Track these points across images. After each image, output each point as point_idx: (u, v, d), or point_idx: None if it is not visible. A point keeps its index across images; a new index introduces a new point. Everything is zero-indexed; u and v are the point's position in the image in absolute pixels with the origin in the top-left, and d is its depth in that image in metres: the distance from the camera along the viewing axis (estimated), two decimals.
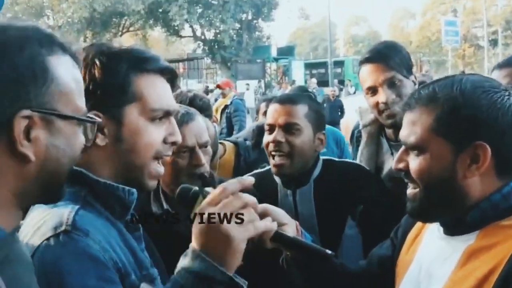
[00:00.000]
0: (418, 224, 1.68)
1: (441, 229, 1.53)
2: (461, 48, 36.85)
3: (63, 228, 1.27)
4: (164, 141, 1.50)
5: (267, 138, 2.43)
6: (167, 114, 1.50)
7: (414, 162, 1.47)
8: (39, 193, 1.07)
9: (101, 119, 1.39)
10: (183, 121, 2.15)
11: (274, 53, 36.38)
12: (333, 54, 36.57)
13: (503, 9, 45.16)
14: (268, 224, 1.56)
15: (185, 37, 41.95)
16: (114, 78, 1.43)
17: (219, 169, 3.22)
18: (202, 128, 2.23)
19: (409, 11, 74.34)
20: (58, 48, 1.08)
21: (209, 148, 2.28)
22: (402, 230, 1.77)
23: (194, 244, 1.31)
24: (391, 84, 2.55)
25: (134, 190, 1.48)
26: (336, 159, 2.73)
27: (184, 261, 1.31)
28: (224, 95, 8.04)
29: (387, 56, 2.59)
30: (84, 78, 1.39)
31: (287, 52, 37.10)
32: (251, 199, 1.37)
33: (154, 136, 1.47)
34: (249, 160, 3.21)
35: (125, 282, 1.33)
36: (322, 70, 34.61)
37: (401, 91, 2.53)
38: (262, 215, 1.60)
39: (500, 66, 2.81)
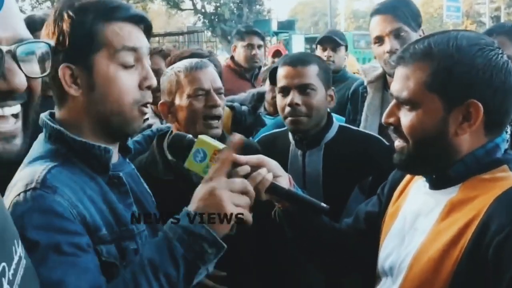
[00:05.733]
0: (405, 179, 1.73)
1: (427, 184, 1.58)
2: (463, 24, 36.50)
3: (32, 185, 1.33)
4: (140, 87, 1.54)
5: (282, 101, 2.48)
6: (134, 52, 1.52)
7: (406, 118, 1.49)
8: None
9: (73, 70, 1.47)
10: (197, 67, 2.27)
11: (274, 27, 35.91)
12: (334, 29, 36.14)
13: None
14: (264, 174, 1.60)
15: (185, 10, 41.41)
16: (80, 29, 1.47)
17: None
18: (216, 76, 2.33)
19: None
20: None
21: (223, 97, 2.36)
22: (389, 186, 1.81)
23: (190, 206, 1.41)
24: (397, 35, 2.74)
25: (110, 148, 1.52)
26: (354, 127, 2.76)
27: (176, 218, 1.40)
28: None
29: (395, 8, 2.76)
30: (53, 33, 1.48)
31: (287, 26, 36.65)
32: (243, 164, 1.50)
33: (126, 81, 1.51)
34: (245, 124, 3.25)
35: (94, 236, 1.39)
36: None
37: (407, 42, 2.61)
38: (257, 166, 1.64)
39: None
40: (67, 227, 1.32)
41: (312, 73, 2.43)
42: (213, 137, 2.21)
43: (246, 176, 1.61)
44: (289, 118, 2.44)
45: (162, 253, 1.34)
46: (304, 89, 2.41)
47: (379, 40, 2.81)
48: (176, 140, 1.67)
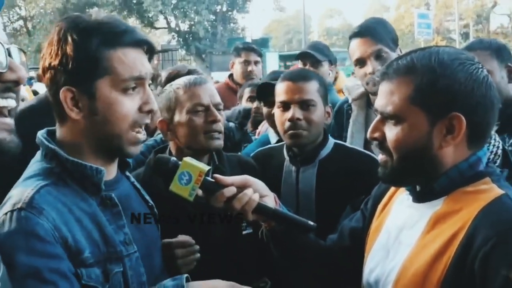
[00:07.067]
0: (388, 193, 1.74)
1: (410, 198, 1.59)
2: (434, 41, 37.15)
3: (19, 205, 1.33)
4: (140, 110, 1.53)
5: (282, 116, 2.45)
6: (139, 81, 1.52)
7: (391, 132, 1.50)
8: None
9: (74, 93, 1.46)
10: (196, 82, 2.26)
11: None
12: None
13: (475, 3, 45.53)
14: (250, 195, 1.59)
15: (159, 28, 41.49)
16: (85, 54, 1.45)
17: None
18: (215, 91, 2.31)
19: (384, 4, 74.59)
20: None
21: (222, 113, 2.33)
22: (372, 201, 1.81)
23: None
24: (378, 56, 2.77)
25: (102, 169, 1.51)
26: (350, 145, 2.74)
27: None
28: None
29: (374, 30, 2.79)
30: (56, 54, 1.45)
31: (261, 44, 36.66)
32: None
33: (127, 107, 1.50)
34: (233, 140, 3.24)
35: (75, 259, 1.38)
36: (297, 62, 34.51)
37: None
38: (243, 186, 1.64)
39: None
40: (48, 250, 1.32)
41: (313, 88, 2.43)
42: (217, 148, 2.24)
43: (232, 197, 1.61)
44: (290, 132, 2.42)
45: None
46: (305, 104, 2.40)
47: (360, 62, 2.82)
48: (160, 163, 1.65)
